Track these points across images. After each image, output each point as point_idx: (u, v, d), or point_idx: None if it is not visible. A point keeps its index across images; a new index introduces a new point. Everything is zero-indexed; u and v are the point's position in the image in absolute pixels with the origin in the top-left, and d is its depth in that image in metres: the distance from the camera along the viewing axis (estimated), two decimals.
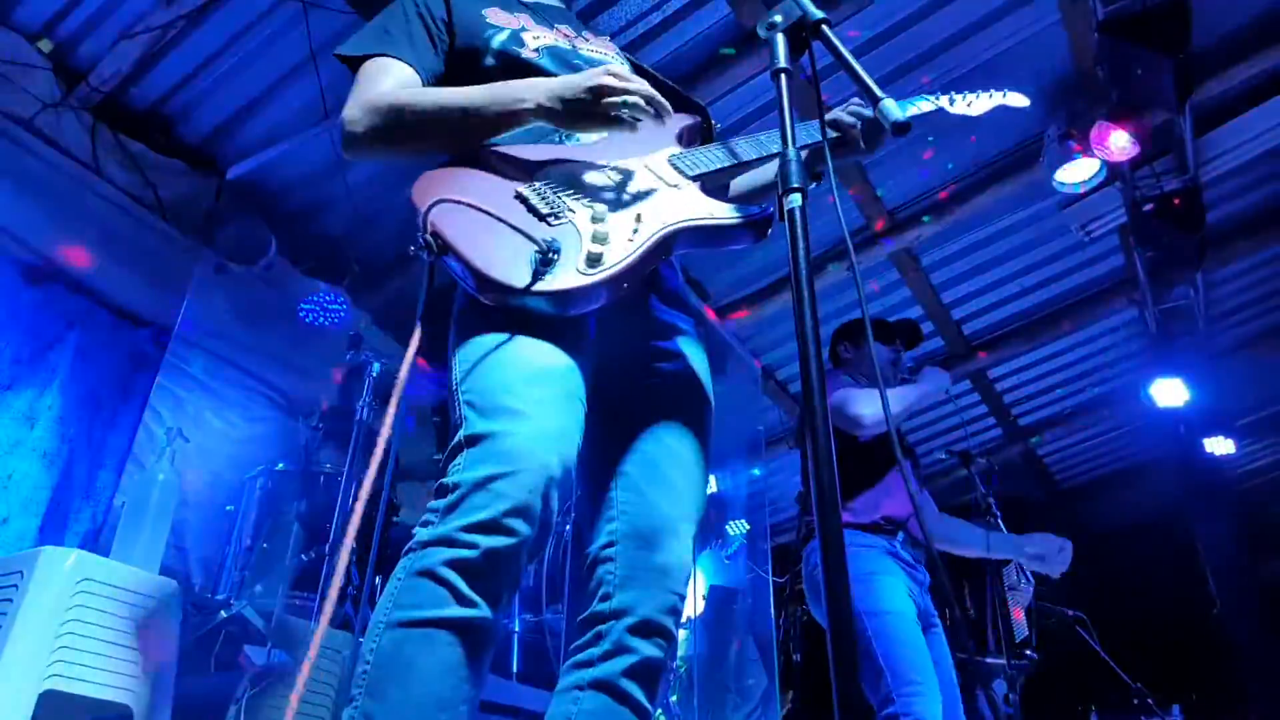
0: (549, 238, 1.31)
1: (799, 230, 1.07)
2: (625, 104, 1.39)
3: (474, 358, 1.33)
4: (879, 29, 3.88)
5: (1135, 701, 5.22)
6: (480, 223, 1.33)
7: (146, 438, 3.93)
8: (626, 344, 1.49)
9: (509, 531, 1.17)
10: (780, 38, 1.20)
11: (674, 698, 4.18)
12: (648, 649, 1.31)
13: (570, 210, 1.38)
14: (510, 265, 1.30)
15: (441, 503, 1.20)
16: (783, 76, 1.18)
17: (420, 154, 1.52)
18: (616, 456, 1.44)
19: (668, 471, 1.43)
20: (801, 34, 1.20)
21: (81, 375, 3.82)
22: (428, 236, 1.30)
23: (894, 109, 1.11)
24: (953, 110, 1.90)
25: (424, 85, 1.56)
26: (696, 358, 1.55)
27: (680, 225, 1.42)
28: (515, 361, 1.31)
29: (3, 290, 3.64)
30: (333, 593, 1.22)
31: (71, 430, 3.74)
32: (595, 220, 1.37)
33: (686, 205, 1.46)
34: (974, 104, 1.92)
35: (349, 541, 1.24)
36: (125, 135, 4.00)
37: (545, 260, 1.29)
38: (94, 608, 2.31)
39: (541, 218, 1.36)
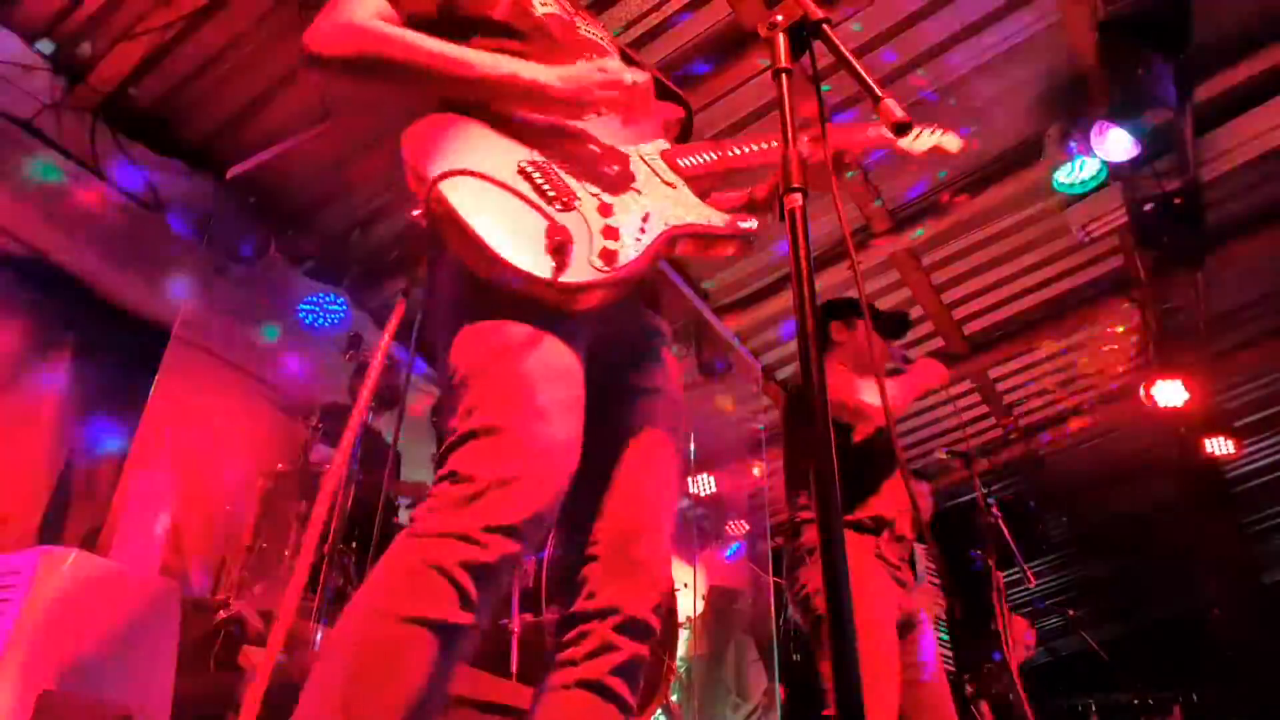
0: (560, 224, 1.25)
1: (799, 230, 1.07)
2: (617, 83, 1.41)
3: (486, 343, 1.25)
4: (879, 29, 3.88)
5: (1135, 701, 5.22)
6: (492, 197, 1.25)
7: (146, 438, 3.93)
8: (613, 340, 1.45)
9: (523, 539, 1.14)
10: (781, 37, 1.20)
11: (674, 697, 4.18)
12: (632, 645, 1.30)
13: (576, 196, 1.32)
14: (527, 251, 1.22)
15: (456, 490, 1.14)
16: (783, 76, 1.18)
17: (387, 96, 1.47)
18: (602, 458, 1.40)
19: (655, 471, 1.42)
20: (802, 34, 1.20)
21: (81, 375, 3.82)
22: (432, 205, 1.21)
23: (894, 108, 1.11)
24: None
25: (400, 25, 1.40)
26: (670, 363, 1.55)
27: (682, 229, 1.40)
28: (533, 355, 1.24)
29: (3, 290, 3.64)
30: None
31: (71, 430, 3.74)
32: (603, 212, 1.33)
33: (686, 207, 1.44)
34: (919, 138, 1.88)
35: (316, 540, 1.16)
36: (125, 135, 4.00)
37: (558, 249, 1.22)
38: (94, 608, 2.30)
39: (548, 199, 1.29)
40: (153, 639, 2.41)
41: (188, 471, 3.88)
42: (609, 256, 1.27)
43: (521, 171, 1.30)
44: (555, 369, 1.25)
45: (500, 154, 1.32)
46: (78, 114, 3.86)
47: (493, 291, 1.24)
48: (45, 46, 3.75)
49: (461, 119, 1.35)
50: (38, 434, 3.63)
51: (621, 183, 1.41)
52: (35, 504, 3.56)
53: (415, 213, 1.23)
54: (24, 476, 3.55)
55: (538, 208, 1.27)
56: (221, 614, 3.02)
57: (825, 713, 2.29)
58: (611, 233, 1.30)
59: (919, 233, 4.84)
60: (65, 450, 3.70)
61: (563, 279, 1.21)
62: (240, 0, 3.59)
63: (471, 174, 1.25)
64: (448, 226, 1.21)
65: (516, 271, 1.19)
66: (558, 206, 1.28)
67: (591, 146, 1.44)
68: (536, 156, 1.34)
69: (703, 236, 1.43)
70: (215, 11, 3.61)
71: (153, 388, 4.01)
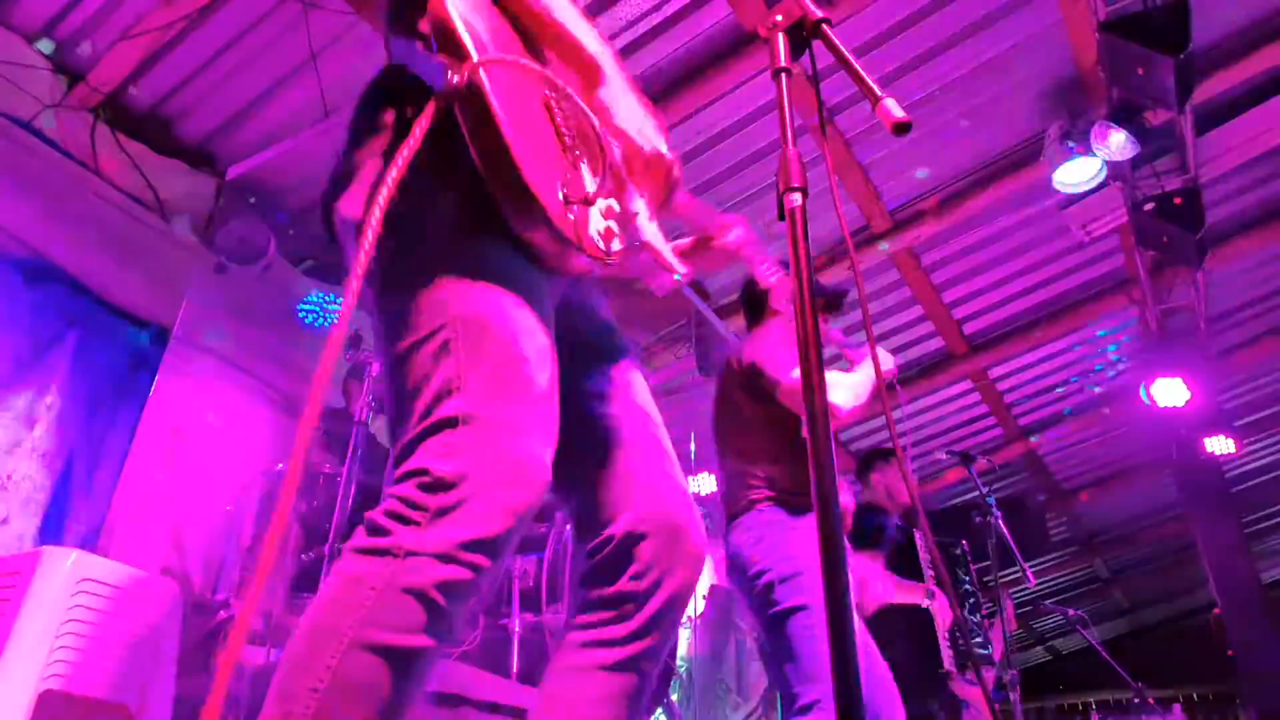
0: (576, 176, 1.16)
1: (799, 230, 1.07)
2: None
3: (475, 306, 1.10)
4: (880, 28, 3.88)
5: (1135, 700, 5.22)
6: (526, 108, 1.12)
7: (146, 438, 3.93)
8: (571, 308, 1.38)
9: (503, 550, 1.04)
10: (781, 37, 1.20)
11: (675, 696, 4.18)
12: (667, 630, 1.26)
13: (583, 159, 1.23)
14: (549, 187, 1.09)
15: (430, 499, 1.01)
16: (783, 76, 1.18)
17: None
18: (605, 415, 1.33)
19: (661, 439, 1.36)
20: (802, 34, 1.20)
21: (81, 375, 3.81)
22: (467, 82, 1.05)
23: (894, 108, 1.10)
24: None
25: None
26: (615, 323, 1.48)
27: (647, 244, 1.38)
28: (525, 333, 1.12)
29: (3, 290, 3.64)
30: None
31: (71, 430, 3.74)
32: (601, 189, 1.26)
33: (654, 225, 1.42)
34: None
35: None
36: (125, 135, 4.00)
37: (570, 200, 1.12)
38: (94, 608, 2.30)
39: (565, 148, 1.19)
40: (153, 639, 2.41)
41: (188, 471, 3.88)
42: (608, 237, 1.22)
43: (545, 103, 1.19)
44: (540, 348, 1.13)
45: (533, 75, 1.20)
46: (78, 114, 3.86)
47: (488, 224, 1.13)
48: (45, 46, 3.75)
49: (510, 25, 1.24)
50: (37, 434, 3.63)
51: (610, 169, 1.37)
52: (35, 504, 3.56)
53: (452, 79, 1.06)
54: (24, 476, 3.55)
55: (561, 147, 1.17)
56: (221, 614, 3.02)
57: None
58: (611, 214, 1.26)
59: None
60: (65, 450, 3.70)
61: (577, 235, 1.13)
62: (240, 0, 3.59)
63: (523, 68, 1.11)
64: (476, 116, 1.06)
65: (533, 204, 1.08)
66: (569, 157, 1.19)
67: (589, 118, 1.36)
68: (552, 97, 1.22)
69: (653, 260, 1.39)
70: (215, 11, 3.61)
71: (153, 388, 4.01)
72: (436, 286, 1.11)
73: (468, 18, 1.13)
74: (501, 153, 1.06)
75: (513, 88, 1.11)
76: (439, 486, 1.01)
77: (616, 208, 1.29)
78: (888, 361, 2.61)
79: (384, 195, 0.98)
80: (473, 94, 1.06)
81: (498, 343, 1.09)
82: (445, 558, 0.99)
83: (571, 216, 1.14)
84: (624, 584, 1.23)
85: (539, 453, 1.09)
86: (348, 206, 1.19)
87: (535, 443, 1.09)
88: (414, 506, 1.01)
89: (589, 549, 1.29)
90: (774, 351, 2.48)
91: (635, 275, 1.44)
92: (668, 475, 1.32)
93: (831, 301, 2.76)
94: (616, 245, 1.24)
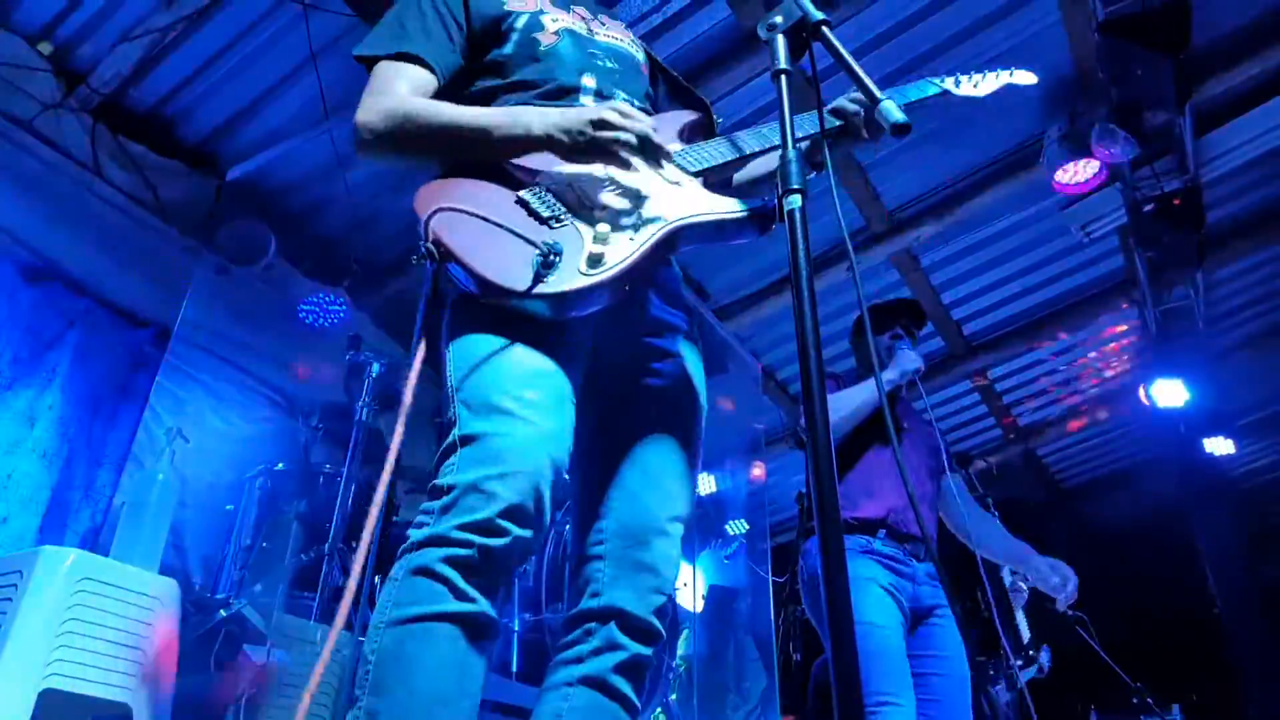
0: (550, 240, 1.32)
1: (799, 231, 1.07)
2: (618, 140, 1.41)
3: (468, 357, 1.34)
4: (879, 29, 3.88)
5: (1135, 701, 5.22)
6: (481, 229, 1.35)
7: (146, 438, 3.93)
8: (623, 343, 1.49)
9: (502, 532, 1.19)
10: (780, 39, 1.20)
11: (674, 697, 4.18)
12: (636, 646, 1.33)
13: (571, 212, 1.39)
14: (511, 269, 1.30)
15: (436, 504, 1.22)
16: (783, 78, 1.18)
17: (427, 162, 1.52)
18: (613, 460, 1.45)
19: (661, 476, 1.45)
20: (802, 35, 1.20)
21: (81, 375, 3.82)
22: (429, 245, 1.32)
23: (894, 110, 1.10)
24: (958, 92, 1.83)
25: (439, 84, 1.55)
26: (691, 357, 1.55)
27: (682, 222, 1.41)
28: (508, 363, 1.32)
29: (3, 290, 3.64)
30: (348, 596, 1.18)
31: (71, 430, 3.75)
32: (596, 220, 1.37)
33: (688, 202, 1.45)
34: (980, 84, 1.86)
35: (365, 543, 1.21)
36: (125, 137, 4.00)
37: (547, 263, 1.29)
38: (94, 607, 2.31)
39: (543, 220, 1.37)
40: (153, 638, 2.41)
41: (188, 471, 3.88)
42: (595, 261, 1.32)
43: (519, 201, 1.40)
44: (527, 372, 1.31)
45: (495, 192, 1.42)
46: (78, 115, 3.86)
47: (481, 310, 1.35)
48: (45, 48, 3.76)
49: (467, 175, 1.44)
50: (38, 433, 3.63)
51: (627, 193, 1.43)
52: (35, 503, 3.56)
53: (417, 257, 1.33)
54: (24, 476, 3.55)
55: (529, 229, 1.36)
56: (221, 613, 3.02)
57: None
58: (601, 238, 1.34)
59: (919, 233, 4.84)
60: (65, 450, 3.71)
61: (543, 289, 1.27)
62: (240, 2, 3.59)
63: (460, 210, 1.36)
64: (444, 258, 1.33)
65: (499, 289, 1.29)
66: (552, 224, 1.37)
67: (600, 160, 1.45)
68: (536, 186, 1.42)
69: (709, 225, 1.43)
70: (215, 13, 3.61)
71: (153, 388, 4.01)
72: (449, 349, 1.37)
73: (431, 197, 1.39)
74: (472, 273, 1.30)
75: (464, 216, 1.36)
76: (442, 492, 1.23)
77: (611, 227, 1.37)
78: (915, 361, 2.75)
79: (414, 367, 1.29)
80: (439, 249, 1.32)
81: (479, 379, 1.31)
82: (443, 540, 1.18)
83: (553, 276, 1.29)
84: (582, 603, 1.37)
85: (529, 447, 1.25)
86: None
87: (523, 440, 1.25)
88: (426, 512, 1.23)
89: (571, 565, 1.45)
90: None
91: (714, 243, 1.48)
92: (648, 503, 1.42)
93: (911, 316, 2.97)
94: (614, 257, 1.34)
